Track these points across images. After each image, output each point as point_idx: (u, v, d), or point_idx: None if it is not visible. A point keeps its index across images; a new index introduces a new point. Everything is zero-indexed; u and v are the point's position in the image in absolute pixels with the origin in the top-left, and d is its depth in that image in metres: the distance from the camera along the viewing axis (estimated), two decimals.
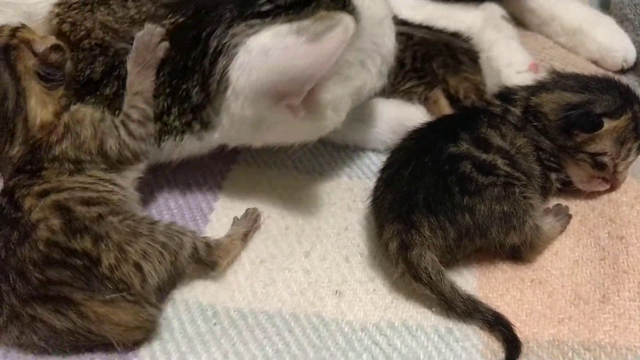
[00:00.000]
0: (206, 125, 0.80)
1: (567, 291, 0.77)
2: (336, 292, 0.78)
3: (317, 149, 1.00)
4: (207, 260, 0.78)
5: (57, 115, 0.76)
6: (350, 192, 0.93)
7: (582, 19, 1.18)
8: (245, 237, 0.84)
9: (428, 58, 1.04)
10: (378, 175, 0.85)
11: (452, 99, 1.03)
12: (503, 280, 0.79)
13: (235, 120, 0.78)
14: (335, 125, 0.82)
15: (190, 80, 0.76)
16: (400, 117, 0.98)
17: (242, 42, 0.71)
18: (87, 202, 0.71)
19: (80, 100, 0.79)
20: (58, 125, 0.75)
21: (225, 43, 0.72)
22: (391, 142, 0.94)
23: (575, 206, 0.88)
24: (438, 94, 1.02)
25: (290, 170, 0.98)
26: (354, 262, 0.82)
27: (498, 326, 0.71)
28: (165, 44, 0.76)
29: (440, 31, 1.07)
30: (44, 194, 0.70)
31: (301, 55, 0.67)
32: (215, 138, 0.81)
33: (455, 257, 0.78)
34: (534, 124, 0.86)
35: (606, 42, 1.15)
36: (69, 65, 0.78)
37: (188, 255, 0.75)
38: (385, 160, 0.86)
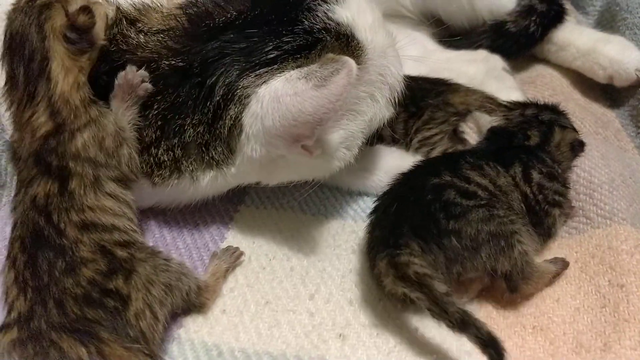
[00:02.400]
0: (222, 163, 0.82)
1: (569, 339, 0.77)
2: (340, 335, 0.79)
3: (323, 192, 1.02)
4: (196, 302, 0.80)
5: (78, 87, 0.77)
6: (355, 234, 0.95)
7: (594, 40, 1.23)
8: (226, 273, 0.86)
9: (420, 97, 1.04)
10: (367, 219, 0.87)
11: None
12: (505, 327, 0.80)
13: (251, 160, 0.80)
14: (348, 161, 0.84)
15: (188, 118, 0.78)
16: (401, 166, 0.99)
17: (253, 92, 0.74)
18: (122, 244, 0.75)
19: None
20: (84, 113, 0.77)
21: (236, 93, 0.75)
22: None
23: (575, 253, 0.89)
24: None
25: (296, 212, 0.99)
26: (357, 305, 0.83)
27: (490, 349, 0.68)
28: (147, 85, 0.79)
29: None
30: (84, 227, 0.73)
31: (310, 99, 0.69)
32: (232, 175, 0.83)
33: (446, 284, 0.76)
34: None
35: (618, 57, 1.18)
36: (96, 30, 0.79)
37: (182, 298, 0.77)
38: (372, 205, 0.88)
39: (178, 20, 0.79)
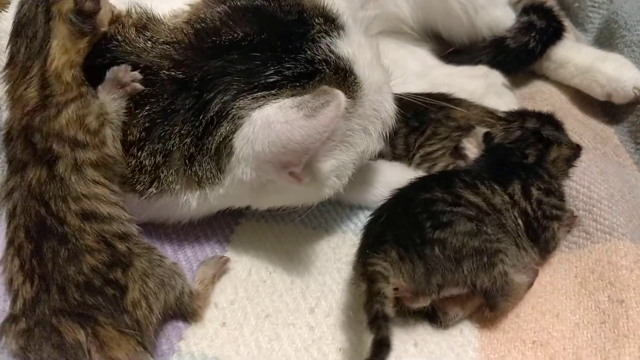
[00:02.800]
0: (207, 182, 0.81)
1: (569, 354, 0.77)
2: (340, 349, 0.79)
3: (324, 205, 1.01)
4: (188, 308, 0.81)
5: (71, 65, 0.78)
6: (355, 248, 0.95)
7: (593, 57, 1.25)
8: (214, 280, 0.87)
9: (422, 112, 1.05)
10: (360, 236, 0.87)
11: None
12: (505, 341, 0.80)
13: (241, 183, 0.80)
14: (337, 189, 0.85)
15: (177, 127, 0.78)
16: (401, 180, 1.00)
17: (247, 114, 0.75)
18: (121, 237, 0.76)
19: None
20: (73, 89, 0.78)
21: (231, 112, 0.76)
22: None
23: (575, 268, 0.89)
24: None
25: (297, 225, 1.00)
26: (358, 319, 0.83)
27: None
28: (137, 85, 0.79)
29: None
30: (85, 216, 0.74)
31: (299, 128, 0.71)
32: (220, 196, 0.83)
33: (425, 297, 0.77)
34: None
35: (615, 74, 1.20)
36: (100, 17, 0.80)
37: (174, 299, 0.79)
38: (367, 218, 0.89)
39: (185, 34, 0.79)
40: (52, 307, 0.70)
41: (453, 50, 1.32)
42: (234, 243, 0.96)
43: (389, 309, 0.72)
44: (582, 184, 0.99)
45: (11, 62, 0.81)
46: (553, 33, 1.30)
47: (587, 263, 0.89)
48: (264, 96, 0.75)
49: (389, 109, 0.87)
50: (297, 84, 0.76)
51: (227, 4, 0.80)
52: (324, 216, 1.01)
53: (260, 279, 0.90)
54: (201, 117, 0.77)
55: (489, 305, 0.80)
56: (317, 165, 0.80)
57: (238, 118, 0.76)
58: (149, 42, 0.80)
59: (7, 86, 0.80)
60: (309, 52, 0.78)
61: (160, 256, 0.79)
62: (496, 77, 1.24)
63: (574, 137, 1.11)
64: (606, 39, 1.36)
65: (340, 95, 0.71)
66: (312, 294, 0.87)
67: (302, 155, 0.73)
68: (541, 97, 1.27)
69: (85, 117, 0.77)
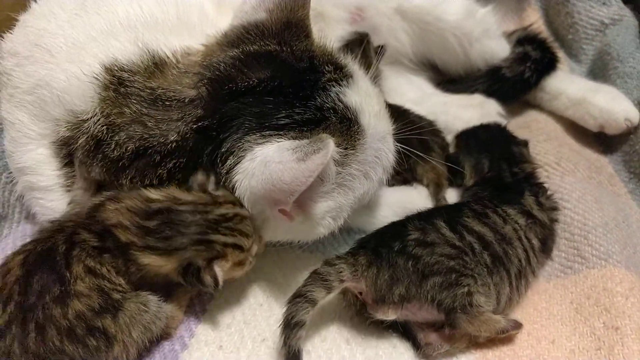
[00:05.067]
0: None
1: None
2: None
3: None
4: (162, 333, 0.81)
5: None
6: None
7: (585, 90, 1.27)
8: (189, 301, 0.88)
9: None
10: None
11: None
12: None
13: None
14: (332, 230, 0.86)
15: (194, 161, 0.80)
16: (403, 201, 1.03)
17: (250, 148, 0.77)
18: (119, 290, 0.76)
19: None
20: None
21: (237, 146, 0.77)
22: None
23: (570, 293, 0.90)
24: None
25: (294, 249, 1.00)
26: (354, 344, 0.83)
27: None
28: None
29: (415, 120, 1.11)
30: (93, 273, 0.74)
31: (289, 170, 0.72)
32: None
33: (387, 307, 0.79)
34: None
35: (607, 106, 1.22)
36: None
37: (157, 333, 0.79)
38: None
39: (202, 83, 0.80)
40: (26, 346, 0.68)
41: (449, 79, 1.35)
42: None
43: (306, 315, 0.76)
44: (577, 212, 1.00)
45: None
46: (547, 64, 1.33)
47: (582, 289, 0.90)
48: (271, 135, 0.77)
49: (390, 157, 0.89)
50: (305, 129, 0.78)
51: (240, 49, 0.83)
52: (320, 240, 1.00)
53: (257, 302, 0.90)
54: (215, 155, 0.79)
55: (447, 322, 0.80)
56: (313, 205, 0.81)
57: (242, 151, 0.77)
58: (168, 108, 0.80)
59: None
60: (319, 99, 0.80)
61: (145, 300, 0.78)
62: (491, 107, 1.26)
63: (569, 166, 1.12)
64: (599, 70, 1.39)
65: (330, 144, 0.72)
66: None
67: (289, 195, 0.74)
68: (536, 125, 1.29)
69: None
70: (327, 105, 0.81)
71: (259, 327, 0.86)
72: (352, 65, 0.89)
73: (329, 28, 1.16)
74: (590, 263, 0.92)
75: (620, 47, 1.33)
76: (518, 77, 1.31)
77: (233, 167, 0.78)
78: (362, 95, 0.85)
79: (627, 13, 1.41)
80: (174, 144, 0.79)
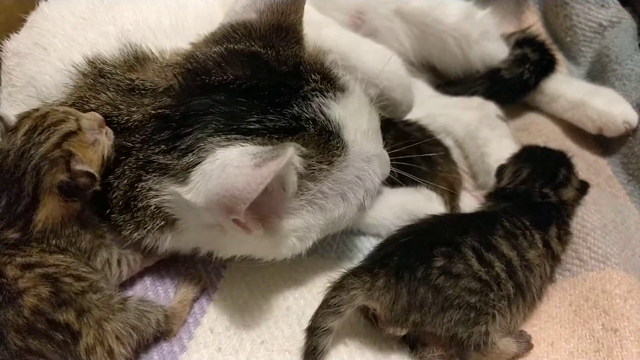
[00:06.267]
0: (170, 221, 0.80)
1: None
2: None
3: None
4: (163, 330, 0.82)
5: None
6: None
7: (584, 92, 1.28)
8: (193, 302, 0.88)
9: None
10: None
11: None
12: None
13: (196, 219, 0.78)
14: (297, 252, 0.83)
15: (151, 160, 0.76)
16: (405, 202, 1.01)
17: (212, 150, 0.72)
18: (73, 276, 0.74)
19: None
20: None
21: (199, 146, 0.73)
22: (394, 227, 0.95)
23: (569, 296, 0.90)
24: None
25: None
26: (353, 346, 0.83)
27: None
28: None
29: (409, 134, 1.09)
30: (28, 266, 0.72)
31: (243, 176, 0.67)
32: (183, 230, 0.81)
33: (397, 325, 0.78)
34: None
35: (606, 109, 1.22)
36: (89, 193, 0.79)
37: (152, 332, 0.79)
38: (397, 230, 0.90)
39: (175, 74, 0.79)
40: None
41: (449, 81, 1.35)
42: (230, 269, 0.96)
43: (335, 323, 0.76)
44: (576, 214, 1.00)
45: None
46: (546, 66, 1.33)
47: (581, 291, 0.90)
48: (236, 139, 0.73)
49: (376, 181, 0.85)
50: (276, 136, 0.74)
51: (224, 46, 0.81)
52: (320, 242, 1.01)
53: (256, 304, 0.90)
54: (172, 151, 0.75)
55: (458, 355, 0.79)
56: (277, 221, 0.76)
57: (204, 152, 0.73)
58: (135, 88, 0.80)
59: None
60: (296, 108, 0.77)
61: (122, 300, 0.77)
62: (490, 109, 1.26)
63: None
64: (598, 73, 1.39)
65: (288, 152, 0.68)
66: (308, 320, 0.87)
67: (240, 203, 0.68)
68: (535, 128, 1.30)
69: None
70: (306, 115, 0.77)
71: (258, 329, 0.86)
72: (349, 81, 0.85)
73: None
74: (588, 265, 0.92)
75: (619, 50, 1.33)
76: (517, 79, 1.31)
77: (192, 167, 0.73)
78: (349, 111, 0.81)
79: (625, 15, 1.41)
80: (136, 122, 0.78)
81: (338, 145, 0.79)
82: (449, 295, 0.76)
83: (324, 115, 0.78)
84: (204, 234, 0.81)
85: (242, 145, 0.72)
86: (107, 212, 0.81)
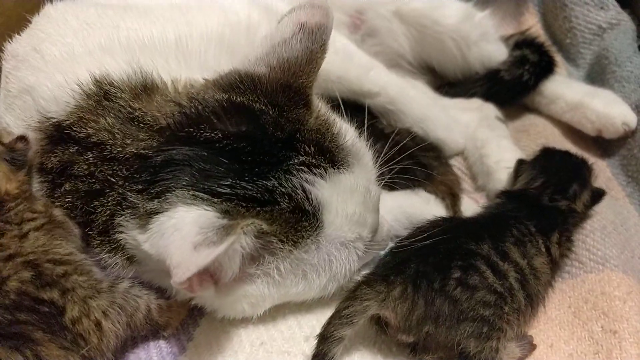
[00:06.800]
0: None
1: None
2: None
3: None
4: (159, 321, 0.82)
5: (22, 192, 0.81)
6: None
7: (582, 94, 1.28)
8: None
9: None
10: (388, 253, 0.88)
11: None
12: None
13: (151, 264, 0.76)
14: (250, 316, 0.81)
15: (134, 185, 0.75)
16: (404, 206, 1.01)
17: (174, 204, 0.70)
18: (53, 261, 0.76)
19: None
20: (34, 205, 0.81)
21: (166, 195, 0.71)
22: (393, 231, 0.94)
23: (569, 297, 0.90)
24: None
25: None
26: (353, 349, 0.83)
27: None
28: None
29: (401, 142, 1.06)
30: (8, 258, 0.75)
31: (180, 254, 0.64)
32: (149, 269, 0.79)
33: (408, 333, 0.77)
34: None
35: (605, 111, 1.22)
36: (31, 153, 0.83)
37: (142, 317, 0.79)
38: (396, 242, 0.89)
39: (171, 115, 0.76)
40: None
41: (448, 82, 1.35)
42: None
43: (347, 332, 0.75)
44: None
45: None
46: (545, 67, 1.33)
47: (580, 293, 0.90)
48: (203, 199, 0.70)
49: (346, 268, 0.80)
50: (243, 205, 0.71)
51: (228, 95, 0.76)
52: None
53: None
54: (144, 192, 0.73)
55: None
56: (228, 283, 0.73)
57: (168, 202, 0.70)
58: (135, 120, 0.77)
59: None
60: (273, 180, 0.73)
61: (111, 283, 0.78)
62: (490, 110, 1.27)
63: None
64: (597, 74, 1.39)
65: (230, 240, 0.64)
66: (307, 322, 0.87)
67: (174, 276, 0.64)
68: (535, 129, 1.30)
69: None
70: (281, 190, 0.73)
71: (257, 331, 0.86)
72: (352, 155, 0.79)
73: None
74: (588, 267, 0.92)
75: (618, 51, 1.33)
76: (516, 80, 1.31)
77: (153, 214, 0.70)
78: (339, 190, 0.77)
79: (624, 17, 1.41)
80: (127, 155, 0.75)
81: (309, 227, 0.75)
82: (464, 307, 0.76)
83: (304, 192, 0.74)
84: (161, 276, 0.79)
85: (205, 209, 0.69)
86: (87, 230, 0.79)
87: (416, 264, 0.79)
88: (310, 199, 0.74)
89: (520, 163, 1.07)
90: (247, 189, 0.72)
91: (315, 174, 0.75)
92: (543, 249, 0.88)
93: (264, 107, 0.76)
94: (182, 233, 0.66)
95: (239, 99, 0.76)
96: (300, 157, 0.75)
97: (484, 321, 0.76)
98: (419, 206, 1.01)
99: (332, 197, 0.76)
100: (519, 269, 0.82)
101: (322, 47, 0.77)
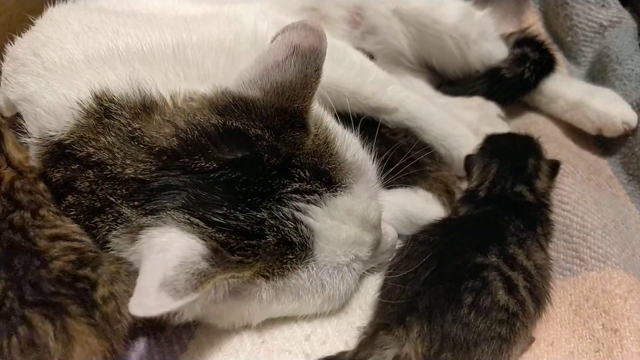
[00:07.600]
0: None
1: None
2: None
3: None
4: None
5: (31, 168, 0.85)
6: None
7: (583, 93, 1.28)
8: None
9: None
10: (390, 264, 0.86)
11: None
12: None
13: None
14: (239, 327, 0.82)
15: (130, 203, 0.75)
16: (403, 204, 1.01)
17: (168, 223, 0.70)
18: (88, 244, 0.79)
19: None
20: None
21: (160, 212, 0.71)
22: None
23: (569, 295, 0.90)
24: None
25: None
26: (354, 347, 0.83)
27: None
28: None
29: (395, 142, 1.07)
30: (54, 238, 0.78)
31: (148, 291, 0.64)
32: None
33: None
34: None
35: (605, 109, 1.22)
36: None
37: None
38: (399, 248, 0.88)
39: (170, 139, 0.75)
40: (24, 301, 0.72)
41: (449, 81, 1.35)
42: None
43: None
44: (576, 214, 1.00)
45: None
46: (546, 65, 1.33)
47: (581, 290, 0.90)
48: (198, 225, 0.70)
49: (340, 290, 0.80)
50: (233, 237, 0.71)
51: (224, 120, 0.75)
52: None
53: None
54: (139, 208, 0.73)
55: None
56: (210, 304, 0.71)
57: (160, 220, 0.71)
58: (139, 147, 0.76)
59: None
60: (263, 212, 0.72)
61: (129, 272, 0.78)
62: (491, 109, 1.27)
63: (568, 167, 1.12)
64: (598, 73, 1.39)
65: (191, 297, 0.64)
66: (308, 321, 0.87)
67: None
68: (535, 128, 1.30)
69: None
70: (270, 222, 0.72)
71: (258, 329, 0.86)
72: (351, 175, 0.78)
73: (328, 28, 1.16)
74: (589, 265, 0.92)
75: (619, 50, 1.33)
76: (517, 78, 1.32)
77: (144, 227, 0.71)
78: (335, 214, 0.76)
79: (625, 15, 1.41)
80: (127, 177, 0.74)
81: (295, 258, 0.75)
82: (480, 329, 0.75)
83: (295, 222, 0.73)
84: None
85: (197, 240, 0.69)
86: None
87: (427, 297, 0.77)
88: (299, 230, 0.74)
89: (468, 157, 1.06)
90: (240, 219, 0.71)
91: (308, 202, 0.74)
92: (538, 244, 0.88)
93: (259, 132, 0.74)
94: (165, 263, 0.66)
95: (234, 124, 0.74)
96: (294, 185, 0.74)
97: (500, 338, 0.75)
98: (419, 205, 1.01)
99: (325, 224, 0.75)
100: (527, 276, 0.81)
101: (317, 72, 0.74)
